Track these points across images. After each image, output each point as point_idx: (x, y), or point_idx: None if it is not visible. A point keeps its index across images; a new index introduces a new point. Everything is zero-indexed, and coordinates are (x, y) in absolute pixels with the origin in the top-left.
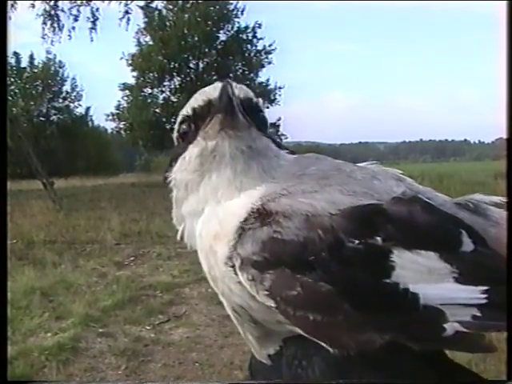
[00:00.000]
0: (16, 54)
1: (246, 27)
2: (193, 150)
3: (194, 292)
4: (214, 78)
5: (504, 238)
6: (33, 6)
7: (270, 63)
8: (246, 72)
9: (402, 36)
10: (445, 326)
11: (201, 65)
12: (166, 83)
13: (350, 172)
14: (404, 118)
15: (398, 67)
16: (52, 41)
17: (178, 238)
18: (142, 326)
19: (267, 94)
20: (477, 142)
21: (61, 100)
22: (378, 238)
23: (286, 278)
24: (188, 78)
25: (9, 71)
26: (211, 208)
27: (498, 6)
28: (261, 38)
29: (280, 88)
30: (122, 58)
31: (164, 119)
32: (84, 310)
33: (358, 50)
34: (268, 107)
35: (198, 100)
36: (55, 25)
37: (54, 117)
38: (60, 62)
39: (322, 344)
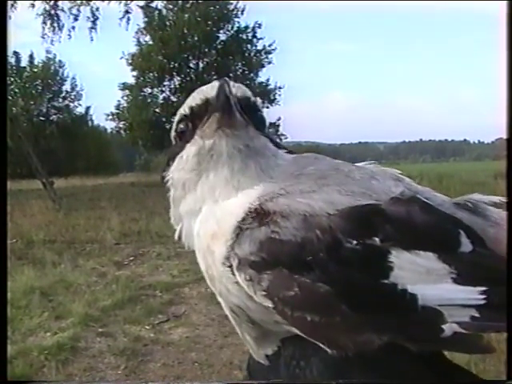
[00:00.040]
0: (16, 53)
1: (246, 27)
2: (190, 149)
3: (193, 292)
4: (214, 77)
5: (503, 239)
6: (33, 5)
7: (269, 63)
8: (246, 72)
9: (402, 36)
10: (443, 326)
11: (201, 65)
12: (165, 83)
13: (349, 172)
14: (404, 118)
15: (398, 67)
16: (52, 40)
17: (176, 237)
18: (141, 325)
19: (267, 93)
20: (477, 142)
21: (61, 99)
22: (376, 239)
23: (283, 278)
24: (188, 78)
25: (9, 71)
26: (209, 207)
27: (498, 5)
28: (261, 38)
29: (280, 88)
30: (121, 58)
31: (164, 119)
32: (83, 309)
33: (358, 50)
34: (268, 107)
35: (195, 99)
36: (55, 24)
37: (53, 116)
38: (60, 61)
39: (320, 345)
